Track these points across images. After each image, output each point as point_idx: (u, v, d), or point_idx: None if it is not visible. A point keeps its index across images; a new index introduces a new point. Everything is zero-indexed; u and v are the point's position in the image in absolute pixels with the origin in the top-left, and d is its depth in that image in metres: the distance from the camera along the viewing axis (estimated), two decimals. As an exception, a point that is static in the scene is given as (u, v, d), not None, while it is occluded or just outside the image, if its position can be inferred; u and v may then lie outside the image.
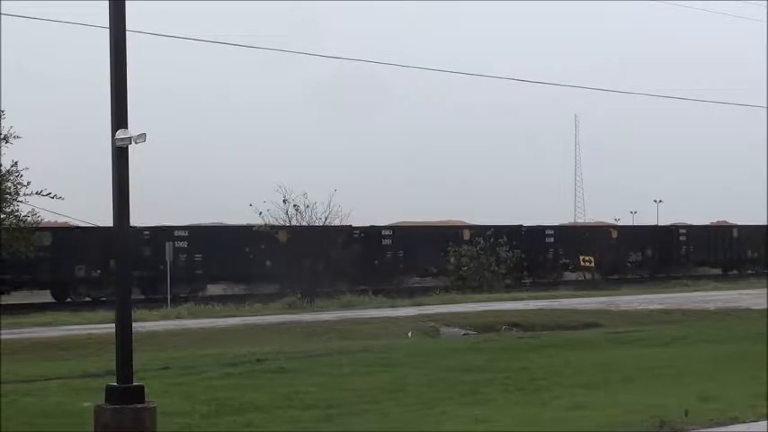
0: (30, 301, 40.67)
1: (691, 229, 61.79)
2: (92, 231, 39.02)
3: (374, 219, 52.42)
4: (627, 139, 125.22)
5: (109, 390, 11.59)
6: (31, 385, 17.27)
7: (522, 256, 49.14)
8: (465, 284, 45.97)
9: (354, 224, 45.50)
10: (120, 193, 11.65)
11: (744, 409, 13.33)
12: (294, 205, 38.73)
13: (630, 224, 62.98)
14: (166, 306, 36.51)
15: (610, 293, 43.57)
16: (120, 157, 11.65)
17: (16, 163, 27.78)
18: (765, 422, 12.61)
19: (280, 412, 14.12)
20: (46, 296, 42.63)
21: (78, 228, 39.75)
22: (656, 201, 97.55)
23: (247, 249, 44.25)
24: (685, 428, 12.38)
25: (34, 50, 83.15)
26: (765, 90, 78.51)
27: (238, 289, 44.58)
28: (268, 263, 42.50)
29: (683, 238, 60.21)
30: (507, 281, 47.95)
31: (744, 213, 71.65)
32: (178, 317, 32.27)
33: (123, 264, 12.18)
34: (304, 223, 39.17)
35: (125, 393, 11.45)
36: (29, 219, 28.26)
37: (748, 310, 32.95)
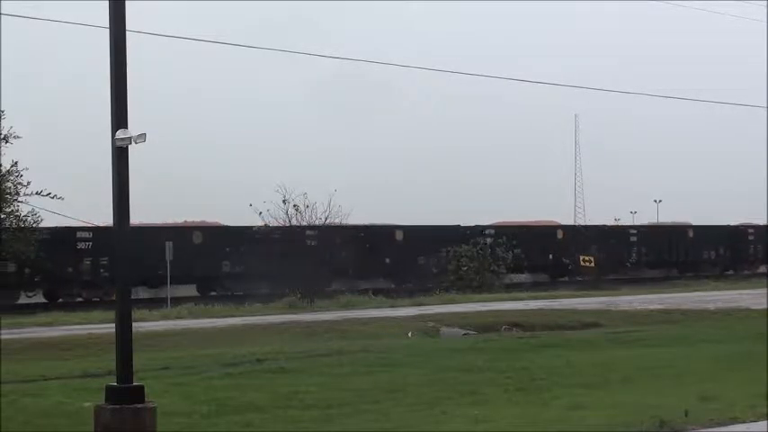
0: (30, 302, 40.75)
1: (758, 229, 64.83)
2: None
3: (374, 219, 52.49)
4: (627, 139, 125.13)
5: (109, 390, 11.60)
6: (30, 385, 17.27)
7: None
8: (465, 284, 46.07)
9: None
10: (120, 193, 11.65)
11: (744, 409, 13.34)
12: (294, 205, 38.75)
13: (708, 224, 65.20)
14: (166, 306, 36.50)
15: (610, 293, 43.59)
16: (120, 157, 11.65)
17: (16, 163, 27.82)
18: (765, 422, 12.61)
19: (280, 412, 14.12)
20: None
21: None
22: (656, 201, 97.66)
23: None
24: (685, 428, 12.38)
25: (34, 50, 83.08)
26: (765, 90, 78.53)
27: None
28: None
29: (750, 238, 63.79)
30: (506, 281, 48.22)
31: (744, 213, 71.62)
32: (178, 317, 32.27)
33: (123, 264, 12.19)
34: (304, 223, 39.22)
35: (125, 393, 11.46)
36: (29, 219, 28.28)
37: (748, 310, 32.94)
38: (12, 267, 38.22)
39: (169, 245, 38.91)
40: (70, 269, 41.63)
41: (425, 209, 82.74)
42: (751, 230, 63.82)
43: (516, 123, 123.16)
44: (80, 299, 41.71)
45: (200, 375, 18.14)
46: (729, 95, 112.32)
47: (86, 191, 46.26)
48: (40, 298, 41.89)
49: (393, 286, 47.76)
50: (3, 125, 27.62)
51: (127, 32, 11.77)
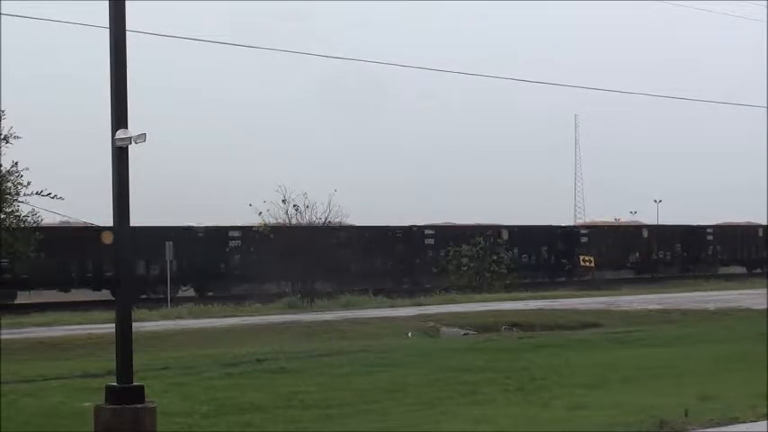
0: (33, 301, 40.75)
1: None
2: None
3: (374, 219, 52.48)
4: (627, 139, 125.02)
5: (109, 390, 11.60)
6: (30, 385, 17.27)
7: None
8: (466, 284, 46.07)
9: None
10: (120, 193, 11.65)
11: (744, 409, 13.33)
12: (294, 205, 38.77)
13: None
14: (166, 306, 36.50)
15: (610, 293, 43.59)
16: (120, 157, 11.65)
17: (16, 163, 27.72)
18: (765, 422, 12.61)
19: (280, 412, 14.12)
20: (50, 296, 42.60)
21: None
22: (656, 201, 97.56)
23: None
24: (685, 428, 12.38)
25: (34, 50, 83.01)
26: (765, 90, 78.37)
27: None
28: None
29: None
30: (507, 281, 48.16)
31: (744, 213, 71.51)
32: (178, 317, 32.28)
33: (123, 264, 12.20)
34: (303, 223, 39.21)
35: (125, 393, 11.46)
36: (29, 219, 28.23)
37: (748, 310, 32.95)
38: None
39: (169, 245, 38.92)
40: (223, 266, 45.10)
41: (426, 209, 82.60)
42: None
43: (516, 123, 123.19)
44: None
45: (200, 375, 18.14)
46: (729, 95, 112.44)
47: (86, 191, 46.23)
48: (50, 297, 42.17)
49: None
50: (3, 125, 27.56)
51: (127, 32, 11.78)
